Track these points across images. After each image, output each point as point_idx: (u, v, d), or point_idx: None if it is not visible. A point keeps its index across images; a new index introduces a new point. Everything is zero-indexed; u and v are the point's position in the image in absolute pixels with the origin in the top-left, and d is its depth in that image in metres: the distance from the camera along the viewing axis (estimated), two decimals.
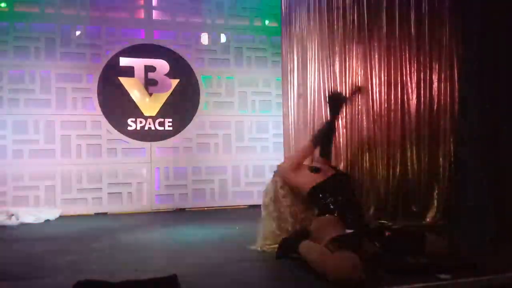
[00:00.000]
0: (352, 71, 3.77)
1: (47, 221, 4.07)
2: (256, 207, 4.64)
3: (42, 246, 2.97)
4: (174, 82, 4.81)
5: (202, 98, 4.88)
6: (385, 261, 2.26)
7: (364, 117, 3.69)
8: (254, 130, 5.03)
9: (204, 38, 4.99)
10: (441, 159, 3.57)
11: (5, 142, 4.36)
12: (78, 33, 4.62)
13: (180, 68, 4.83)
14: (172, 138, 4.80)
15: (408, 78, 3.65)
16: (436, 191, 3.53)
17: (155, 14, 4.86)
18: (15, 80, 4.43)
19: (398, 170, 3.59)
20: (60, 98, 4.52)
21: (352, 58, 3.76)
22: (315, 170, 2.68)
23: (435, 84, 3.64)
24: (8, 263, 2.52)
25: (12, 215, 4.00)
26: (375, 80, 3.69)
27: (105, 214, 4.51)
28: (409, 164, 3.60)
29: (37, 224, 3.95)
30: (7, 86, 4.40)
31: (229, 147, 4.95)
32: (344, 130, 3.75)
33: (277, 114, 4.92)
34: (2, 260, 2.59)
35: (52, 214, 4.18)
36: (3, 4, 4.45)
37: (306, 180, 2.63)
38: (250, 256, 2.54)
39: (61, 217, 4.24)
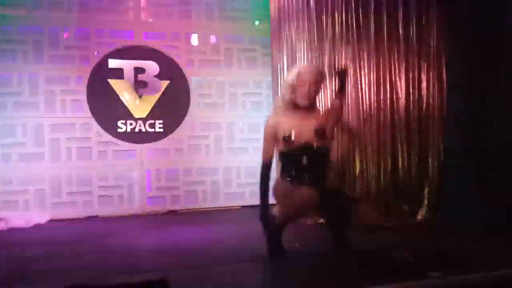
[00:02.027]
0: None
1: (37, 225, 4.03)
2: (248, 207, 4.69)
3: (32, 250, 2.95)
4: (164, 83, 4.79)
5: (193, 99, 4.86)
6: (371, 259, 2.30)
7: (354, 117, 3.70)
8: (245, 131, 5.03)
9: (194, 39, 4.98)
10: (430, 157, 3.62)
11: None
12: (66, 35, 4.57)
13: (170, 69, 4.80)
14: (163, 139, 4.78)
15: (397, 78, 3.69)
16: (427, 190, 3.58)
17: (144, 15, 4.84)
18: (3, 83, 4.37)
19: (388, 169, 3.62)
20: (49, 100, 4.48)
21: (341, 58, 3.77)
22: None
23: (424, 84, 3.68)
24: None
25: (1, 219, 3.95)
26: (365, 80, 3.71)
27: (95, 217, 4.47)
28: (399, 163, 3.63)
29: (27, 228, 3.91)
30: None
31: (220, 148, 4.95)
32: (335, 129, 3.76)
33: (268, 114, 4.90)
34: None
35: (42, 218, 4.14)
36: None
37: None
38: (242, 257, 2.54)
39: (51, 221, 4.20)
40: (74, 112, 4.54)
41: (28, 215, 4.11)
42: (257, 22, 5.11)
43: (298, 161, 2.57)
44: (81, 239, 3.36)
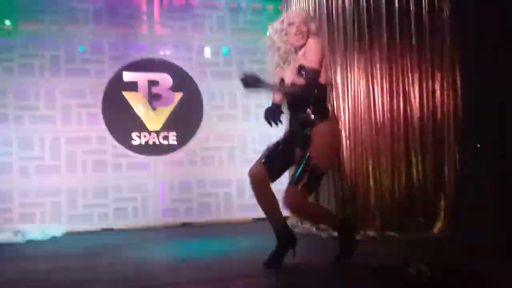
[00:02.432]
0: (353, 81, 3.77)
1: (53, 237, 4.08)
2: (262, 220, 4.67)
3: (48, 263, 2.98)
4: (178, 95, 4.84)
5: (206, 111, 4.90)
6: (387, 273, 2.26)
7: (367, 128, 3.68)
8: (258, 142, 5.03)
9: (207, 51, 5.02)
10: (446, 168, 3.56)
11: (11, 159, 4.39)
12: (82, 49, 4.67)
13: (183, 81, 4.86)
14: (177, 151, 4.81)
15: (411, 88, 3.65)
16: (443, 201, 3.51)
17: (157, 29, 4.91)
18: (20, 97, 4.48)
19: (403, 180, 3.57)
20: (65, 114, 4.56)
21: (354, 68, 3.76)
22: None
23: (438, 93, 3.63)
24: (14, 281, 2.52)
25: (19, 232, 4.01)
26: (377, 90, 3.69)
27: (111, 230, 4.51)
28: (414, 174, 3.58)
29: (44, 241, 3.96)
30: (12, 103, 4.44)
31: (234, 159, 4.95)
32: (348, 141, 3.74)
33: (281, 125, 4.90)
34: (8, 278, 2.59)
35: (58, 230, 4.20)
36: (7, 22, 4.52)
37: None
38: (256, 271, 2.52)
39: (67, 233, 4.25)
40: (89, 125, 4.61)
41: (45, 228, 4.17)
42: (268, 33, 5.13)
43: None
44: (96, 252, 3.39)
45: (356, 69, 3.75)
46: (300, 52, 2.57)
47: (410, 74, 3.64)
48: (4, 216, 4.27)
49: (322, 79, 2.52)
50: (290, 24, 2.56)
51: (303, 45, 2.55)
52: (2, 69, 4.44)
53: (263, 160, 2.63)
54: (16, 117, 4.44)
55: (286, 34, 2.57)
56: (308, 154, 2.45)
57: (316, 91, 2.51)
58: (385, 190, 3.56)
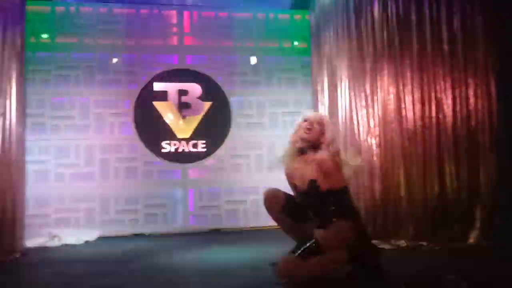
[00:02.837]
0: (383, 89, 3.74)
1: (87, 242, 4.21)
2: None
3: (82, 267, 3.07)
4: (207, 104, 4.92)
5: (234, 119, 4.96)
6: (421, 285, 2.21)
7: (398, 136, 3.63)
8: None
9: (235, 61, 5.09)
10: (481, 176, 3.47)
11: (48, 166, 4.57)
12: (115, 60, 4.83)
13: (212, 91, 4.94)
14: (205, 159, 4.89)
15: (443, 95, 3.59)
16: (478, 210, 3.42)
17: (187, 40, 5.03)
18: (57, 107, 4.66)
19: (436, 189, 3.50)
20: (99, 123, 4.72)
21: (383, 76, 3.73)
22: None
23: (472, 100, 3.57)
24: (50, 284, 2.62)
25: (55, 236, 4.17)
26: (408, 98, 3.64)
27: (141, 235, 4.60)
28: (447, 182, 3.51)
29: (78, 245, 4.09)
30: (50, 113, 4.63)
31: (261, 167, 4.98)
32: (378, 149, 3.70)
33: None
34: (44, 281, 2.69)
35: (91, 235, 4.33)
36: (45, 36, 4.73)
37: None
38: None
39: (100, 238, 4.37)
40: (121, 134, 4.75)
41: (79, 232, 4.30)
42: (296, 43, 5.17)
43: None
44: (127, 257, 3.47)
45: (385, 77, 3.72)
46: (311, 157, 2.59)
47: (442, 81, 3.58)
48: (42, 221, 4.44)
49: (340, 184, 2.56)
50: (305, 120, 2.67)
51: (314, 141, 2.61)
52: (40, 81, 4.64)
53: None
54: (53, 126, 4.63)
55: (299, 127, 2.67)
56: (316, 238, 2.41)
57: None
58: (417, 199, 3.50)
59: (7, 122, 3.64)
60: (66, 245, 4.07)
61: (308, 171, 2.57)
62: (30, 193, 4.27)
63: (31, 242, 3.95)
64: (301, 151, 2.65)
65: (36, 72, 4.61)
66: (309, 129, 2.61)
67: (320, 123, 2.63)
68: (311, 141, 2.60)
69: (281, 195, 2.70)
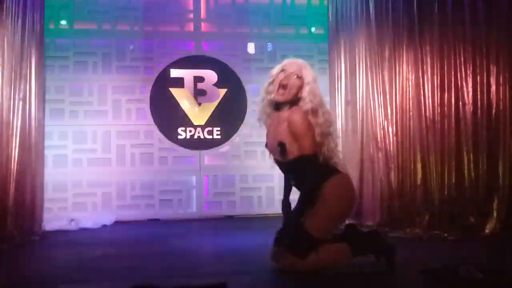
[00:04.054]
0: (402, 77, 3.67)
1: (104, 226, 4.28)
2: None
3: (100, 250, 3.13)
4: (222, 91, 4.91)
5: (250, 106, 4.94)
6: (436, 275, 2.17)
7: (416, 123, 3.56)
8: None
9: (251, 48, 5.06)
10: (500, 166, 3.39)
11: (66, 151, 4.65)
12: (132, 47, 4.85)
13: (228, 77, 4.92)
14: (220, 146, 4.90)
15: (464, 82, 3.50)
16: (496, 201, 3.35)
17: (203, 26, 5.01)
18: (75, 93, 4.72)
19: (453, 178, 3.43)
20: (116, 109, 4.76)
21: (403, 63, 3.66)
22: None
23: (493, 88, 3.47)
24: (68, 266, 2.68)
25: (73, 220, 4.25)
26: (427, 85, 3.57)
27: (157, 220, 4.66)
28: (465, 172, 3.44)
29: (95, 229, 4.17)
30: (68, 99, 4.70)
31: None
32: (395, 137, 3.65)
33: None
34: (63, 264, 2.76)
35: (108, 219, 4.40)
36: (63, 22, 4.77)
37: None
38: None
39: (116, 222, 4.45)
40: (138, 120, 4.79)
41: (96, 217, 4.38)
42: (313, 29, 5.10)
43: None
44: (144, 240, 3.52)
45: (405, 63, 3.64)
46: (285, 115, 2.30)
47: (463, 68, 3.49)
48: (60, 205, 4.53)
49: (310, 150, 2.23)
50: (282, 71, 2.33)
51: (289, 101, 2.30)
52: (59, 67, 4.70)
53: None
54: (71, 112, 4.69)
55: (273, 82, 2.34)
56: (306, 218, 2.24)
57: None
58: (434, 188, 3.44)
59: (27, 107, 3.70)
60: (84, 229, 4.15)
61: (279, 131, 2.29)
62: (49, 178, 4.36)
63: (50, 225, 4.04)
64: (277, 104, 2.33)
65: (55, 58, 4.67)
66: (284, 87, 2.27)
67: (299, 75, 2.28)
68: (284, 100, 2.29)
69: None
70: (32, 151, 3.74)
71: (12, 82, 3.52)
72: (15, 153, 3.51)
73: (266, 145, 2.50)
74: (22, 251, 3.20)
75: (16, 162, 3.51)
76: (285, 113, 2.32)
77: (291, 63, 2.35)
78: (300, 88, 2.29)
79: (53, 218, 4.24)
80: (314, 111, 2.27)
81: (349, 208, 2.38)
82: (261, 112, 2.43)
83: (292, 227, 2.28)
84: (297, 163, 2.28)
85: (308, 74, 2.32)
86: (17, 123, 3.56)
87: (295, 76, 2.29)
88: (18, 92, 3.59)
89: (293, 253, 2.23)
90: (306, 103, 2.27)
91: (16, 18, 3.57)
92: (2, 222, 3.31)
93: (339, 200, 2.29)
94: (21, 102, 3.62)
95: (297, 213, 2.27)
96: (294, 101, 2.31)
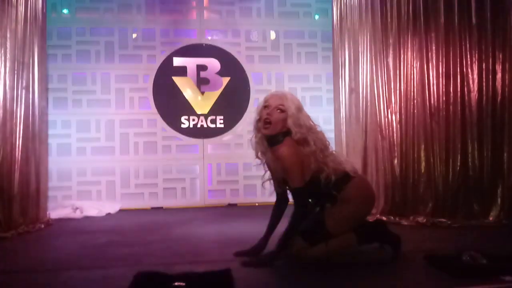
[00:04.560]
0: (407, 64, 3.63)
1: (108, 214, 4.31)
2: None
3: (105, 238, 3.15)
4: (225, 80, 4.90)
5: (252, 95, 4.92)
6: (440, 261, 2.18)
7: (420, 111, 3.54)
8: None
9: (254, 36, 5.03)
10: (505, 154, 3.38)
11: (70, 140, 4.66)
12: (134, 35, 4.83)
13: (231, 66, 4.90)
14: (224, 134, 4.90)
15: (469, 69, 3.47)
16: (500, 188, 3.34)
17: (206, 15, 4.97)
18: (78, 82, 4.72)
19: (458, 166, 3.42)
20: (119, 98, 4.76)
21: (407, 50, 3.62)
22: None
23: (499, 75, 3.44)
24: (74, 254, 2.70)
25: (77, 208, 4.28)
26: (432, 72, 3.54)
27: (160, 208, 4.69)
28: (469, 159, 3.43)
29: (100, 217, 4.20)
30: (71, 88, 4.69)
31: None
32: (398, 125, 3.63)
33: (327, 109, 4.87)
34: (68, 251, 2.78)
35: (112, 207, 4.43)
36: (65, 11, 4.75)
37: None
38: None
39: (120, 210, 4.48)
40: (141, 108, 4.79)
41: (101, 205, 4.41)
42: (317, 16, 5.06)
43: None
44: (148, 228, 3.54)
45: (409, 50, 3.61)
46: (278, 151, 2.30)
47: (468, 55, 3.45)
48: (64, 193, 4.56)
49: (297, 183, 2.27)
50: (265, 107, 2.32)
51: (278, 132, 2.30)
52: (62, 56, 4.69)
53: None
54: (74, 100, 4.69)
55: (260, 119, 2.33)
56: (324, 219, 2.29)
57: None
58: (437, 176, 3.44)
59: (30, 96, 3.70)
60: (88, 217, 4.18)
61: (277, 169, 2.35)
62: (53, 166, 4.37)
63: (54, 213, 4.07)
64: (270, 139, 2.34)
65: (58, 47, 4.66)
66: (267, 122, 2.28)
67: (282, 108, 2.28)
68: (274, 134, 2.30)
69: None
70: (36, 139, 3.75)
71: (15, 71, 3.52)
72: (19, 142, 3.53)
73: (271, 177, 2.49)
74: (27, 238, 3.23)
75: (20, 150, 3.52)
76: (277, 148, 2.32)
77: (273, 97, 2.35)
78: (285, 120, 2.29)
79: (58, 206, 4.26)
80: (304, 141, 2.28)
81: (370, 208, 2.44)
82: (257, 149, 2.43)
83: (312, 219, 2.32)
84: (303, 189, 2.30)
85: (290, 105, 2.30)
86: (20, 112, 3.56)
87: (278, 110, 2.30)
88: (21, 81, 3.59)
89: (304, 239, 2.26)
90: (294, 135, 2.28)
91: (18, 6, 3.56)
92: (7, 210, 3.34)
93: (361, 201, 2.33)
94: (24, 91, 3.62)
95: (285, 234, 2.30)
96: (286, 132, 2.31)
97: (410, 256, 2.38)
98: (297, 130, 2.27)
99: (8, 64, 3.44)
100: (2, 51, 3.40)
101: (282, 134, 2.31)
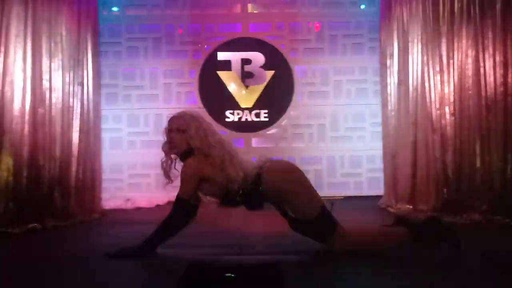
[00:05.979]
0: (461, 53, 3.45)
1: (158, 205, 4.45)
2: (353, 198, 4.60)
3: (154, 228, 3.26)
4: (269, 73, 4.89)
5: (297, 88, 4.89)
6: (498, 260, 2.08)
7: (475, 103, 3.37)
8: (350, 119, 4.91)
9: (299, 28, 4.97)
10: None
11: (121, 134, 4.86)
12: (180, 31, 4.93)
13: (275, 59, 4.89)
14: (268, 129, 4.90)
15: None
16: None
17: (250, 8, 4.98)
18: (128, 78, 4.89)
19: None
20: (167, 93, 4.89)
21: (461, 38, 3.44)
22: None
23: None
24: (124, 243, 2.81)
25: (129, 199, 4.46)
26: (489, 62, 3.34)
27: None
28: None
29: (149, 208, 4.35)
30: (122, 84, 4.87)
31: (324, 137, 4.91)
32: (452, 118, 3.47)
33: (374, 102, 4.75)
34: (119, 241, 2.90)
35: (161, 199, 4.57)
36: (115, 9, 4.92)
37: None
38: None
39: (169, 202, 4.60)
40: (187, 103, 4.89)
41: (150, 197, 4.57)
42: (363, 6, 4.92)
43: None
44: (197, 220, 3.62)
45: (464, 39, 3.43)
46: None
47: None
48: (117, 185, 4.76)
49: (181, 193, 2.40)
50: (169, 130, 2.42)
51: (184, 152, 2.39)
52: (113, 53, 4.88)
53: None
54: (125, 96, 4.87)
55: (165, 142, 2.46)
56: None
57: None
58: (494, 171, 3.26)
59: (85, 92, 3.88)
60: (139, 208, 4.34)
61: None
62: (106, 159, 4.58)
63: (108, 204, 4.26)
64: (180, 157, 2.44)
65: (109, 44, 4.84)
66: (170, 143, 2.41)
67: (182, 129, 2.36)
68: (179, 154, 2.41)
69: None
70: (91, 134, 3.94)
71: (71, 68, 3.70)
72: (75, 135, 3.72)
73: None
74: (85, 226, 3.40)
75: (77, 144, 3.71)
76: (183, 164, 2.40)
77: (173, 119, 2.43)
78: (188, 140, 2.36)
79: (111, 198, 4.46)
80: (206, 156, 2.35)
81: (297, 173, 2.46)
82: (170, 172, 2.52)
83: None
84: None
85: (189, 125, 2.36)
86: (76, 107, 3.75)
87: (179, 131, 2.37)
88: (76, 78, 3.77)
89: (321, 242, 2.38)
90: (199, 153, 2.35)
91: (72, 5, 3.73)
92: (66, 201, 3.54)
93: (285, 177, 2.40)
94: (79, 87, 3.81)
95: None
96: (191, 150, 2.37)
97: (464, 256, 2.28)
98: (198, 147, 2.34)
99: (65, 62, 3.62)
100: (59, 49, 3.58)
101: (187, 152, 2.38)
